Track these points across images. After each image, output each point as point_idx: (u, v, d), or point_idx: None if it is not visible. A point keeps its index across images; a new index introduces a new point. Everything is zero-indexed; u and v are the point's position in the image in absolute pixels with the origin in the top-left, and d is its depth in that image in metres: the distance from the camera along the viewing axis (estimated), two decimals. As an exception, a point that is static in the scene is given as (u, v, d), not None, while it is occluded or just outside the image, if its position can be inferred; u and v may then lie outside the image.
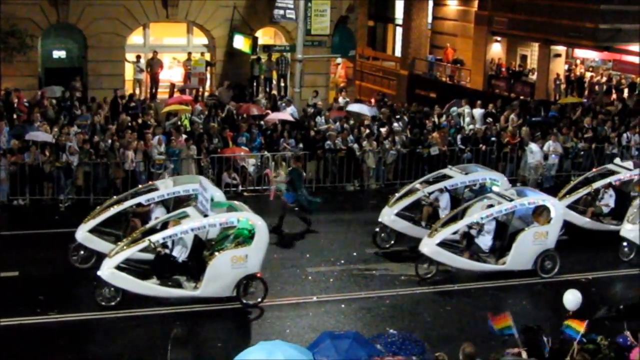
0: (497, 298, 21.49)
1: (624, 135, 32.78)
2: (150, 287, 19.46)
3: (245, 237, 19.99)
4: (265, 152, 29.41)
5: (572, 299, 16.03)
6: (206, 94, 37.72)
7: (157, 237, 19.53)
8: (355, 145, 30.16)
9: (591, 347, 14.95)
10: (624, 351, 15.26)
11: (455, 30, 52.51)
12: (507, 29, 47.12)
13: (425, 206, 24.40)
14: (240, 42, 37.71)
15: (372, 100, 39.54)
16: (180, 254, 19.88)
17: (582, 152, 32.05)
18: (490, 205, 22.36)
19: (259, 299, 19.93)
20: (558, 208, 22.77)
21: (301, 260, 23.11)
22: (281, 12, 35.50)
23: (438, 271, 21.85)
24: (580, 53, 47.02)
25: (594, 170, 27.82)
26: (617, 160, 28.09)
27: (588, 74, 46.61)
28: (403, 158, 30.48)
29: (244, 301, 19.80)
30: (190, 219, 19.94)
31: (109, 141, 27.96)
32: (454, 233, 22.30)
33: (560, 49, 45.33)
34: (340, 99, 37.79)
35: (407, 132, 31.97)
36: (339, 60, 46.37)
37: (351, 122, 32.89)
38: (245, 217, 20.13)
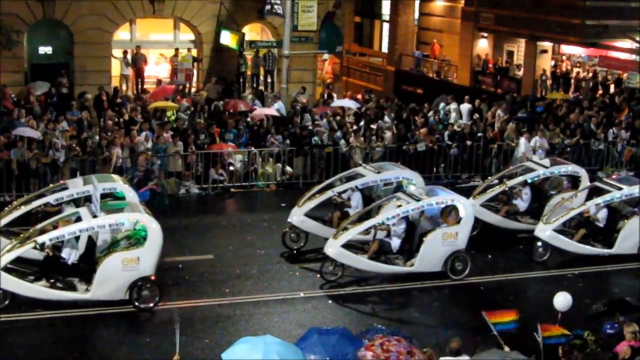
0: (486, 293, 21.52)
1: (610, 131, 32.86)
2: (39, 290, 18.96)
3: (139, 239, 19.57)
4: (252, 148, 29.39)
5: (562, 300, 15.95)
6: (193, 89, 37.63)
7: (43, 238, 18.98)
8: (342, 142, 30.17)
9: (578, 343, 15.05)
10: (611, 338, 15.35)
11: (441, 26, 52.53)
12: (493, 25, 47.17)
13: (336, 206, 23.76)
14: (227, 38, 37.66)
15: (359, 96, 39.52)
16: (69, 255, 19.45)
17: (568, 148, 32.13)
18: (400, 206, 21.71)
19: (152, 303, 19.41)
20: (468, 207, 22.06)
21: (288, 256, 23.11)
22: (268, 6, 35.42)
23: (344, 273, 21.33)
24: (566, 49, 47.14)
25: (510, 167, 27.62)
26: (535, 157, 27.78)
27: (574, 70, 46.78)
28: (390, 154, 30.50)
29: (137, 304, 19.30)
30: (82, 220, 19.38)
31: (96, 137, 27.88)
32: (366, 233, 21.72)
33: (547, 45, 45.42)
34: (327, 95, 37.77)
35: (393, 128, 31.97)
36: (326, 56, 46.37)
37: (338, 118, 32.90)
38: (136, 218, 19.68)
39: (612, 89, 42.59)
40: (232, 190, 28.81)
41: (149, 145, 28.11)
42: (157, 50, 39.17)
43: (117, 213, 19.69)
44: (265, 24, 39.37)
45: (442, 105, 36.05)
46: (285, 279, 21.49)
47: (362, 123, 32.26)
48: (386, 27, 56.77)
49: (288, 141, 29.96)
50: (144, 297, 19.38)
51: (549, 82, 44.81)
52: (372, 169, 24.60)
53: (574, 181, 26.07)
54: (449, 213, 21.69)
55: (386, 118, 33.05)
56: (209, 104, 33.66)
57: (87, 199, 21.34)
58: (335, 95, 38.00)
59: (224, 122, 31.01)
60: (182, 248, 23.37)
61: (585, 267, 22.98)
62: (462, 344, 14.49)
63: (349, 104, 35.60)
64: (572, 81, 45.21)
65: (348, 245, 21.22)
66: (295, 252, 23.37)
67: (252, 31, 40.02)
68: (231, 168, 28.85)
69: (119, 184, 22.30)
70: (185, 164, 28.51)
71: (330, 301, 20.52)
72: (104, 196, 21.20)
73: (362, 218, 22.09)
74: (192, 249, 23.47)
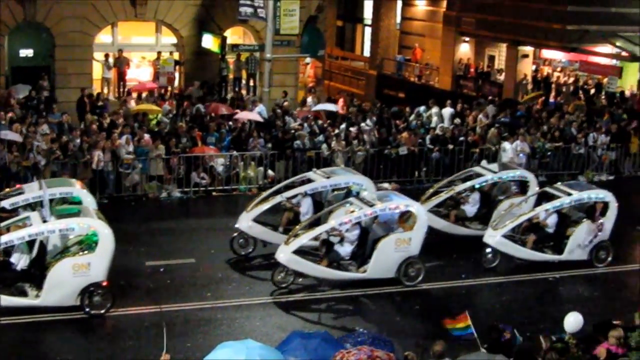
0: (468, 297, 21.56)
1: (591, 135, 33.03)
2: None
3: (91, 245, 19.37)
4: (234, 152, 29.37)
5: (572, 321, 15.83)
6: (175, 92, 37.58)
7: None
8: (324, 146, 30.19)
9: (560, 346, 15.07)
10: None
11: (423, 30, 52.67)
12: (475, 29, 47.34)
13: (286, 211, 23.40)
14: (209, 42, 37.65)
15: (341, 100, 39.50)
16: (18, 260, 19.22)
17: (549, 152, 32.26)
18: (353, 212, 21.39)
19: (104, 310, 19.24)
20: (421, 213, 21.85)
21: (269, 260, 23.04)
22: (250, 9, 35.37)
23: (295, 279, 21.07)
24: (547, 54, 47.36)
25: (459, 172, 27.26)
26: (484, 162, 27.49)
27: (555, 75, 46.99)
28: (372, 158, 30.54)
29: (88, 310, 19.10)
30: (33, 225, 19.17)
31: (77, 141, 27.80)
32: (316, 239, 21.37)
33: (528, 49, 45.59)
34: (309, 99, 37.77)
35: (375, 132, 32.01)
36: (308, 60, 46.41)
37: (319, 122, 32.94)
38: (87, 223, 19.48)
39: (592, 93, 42.82)
40: (214, 193, 28.79)
41: (130, 148, 28.04)
42: (139, 53, 39.12)
43: (68, 218, 19.51)
44: (248, 27, 39.37)
45: (423, 109, 36.12)
46: (267, 282, 21.40)
47: (343, 126, 32.26)
48: (368, 31, 56.83)
49: (270, 145, 29.95)
50: (95, 303, 19.20)
51: (529, 86, 44.98)
52: (322, 173, 24.27)
53: (523, 186, 25.80)
54: (406, 219, 21.54)
55: (368, 121, 33.09)
56: (190, 107, 33.58)
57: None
58: (315, 99, 37.93)
59: (205, 126, 30.97)
60: (164, 252, 23.35)
61: (535, 274, 22.91)
62: (446, 347, 14.50)
63: (329, 107, 35.67)
64: (553, 86, 45.42)
65: (300, 252, 20.92)
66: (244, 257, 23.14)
67: (234, 34, 40.01)
68: (219, 169, 28.81)
69: (75, 189, 22.03)
70: (167, 168, 28.46)
71: (312, 305, 20.52)
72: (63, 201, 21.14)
73: (314, 224, 21.81)
74: (173, 252, 23.41)
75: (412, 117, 34.84)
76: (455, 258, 23.82)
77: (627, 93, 41.86)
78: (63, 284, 18.92)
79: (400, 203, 21.76)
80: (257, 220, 23.12)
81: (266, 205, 23.31)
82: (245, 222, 23.01)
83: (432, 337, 15.79)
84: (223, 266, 22.59)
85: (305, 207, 23.33)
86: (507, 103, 39.09)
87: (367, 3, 57.46)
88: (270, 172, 29.57)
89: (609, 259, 23.67)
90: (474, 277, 22.62)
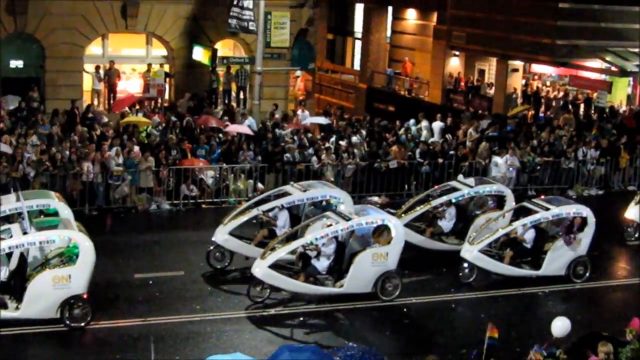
0: (457, 312, 21.58)
1: (580, 150, 33.10)
2: None
3: (71, 257, 19.28)
4: (224, 164, 29.35)
5: (560, 325, 15.79)
6: (165, 105, 37.55)
7: None
8: (314, 158, 30.19)
9: (551, 362, 15.06)
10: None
11: (414, 44, 52.81)
12: (465, 43, 47.47)
13: (261, 230, 23.19)
14: (200, 54, 37.64)
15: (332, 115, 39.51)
16: None
17: (538, 167, 32.31)
18: (330, 225, 21.14)
19: (84, 323, 19.08)
20: (399, 228, 21.60)
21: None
22: (243, 24, 35.40)
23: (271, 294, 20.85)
24: (537, 68, 47.49)
25: (435, 187, 27.00)
26: (460, 177, 27.32)
27: (545, 89, 47.13)
28: (362, 171, 30.55)
29: (68, 323, 18.95)
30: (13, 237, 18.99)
31: (67, 152, 27.74)
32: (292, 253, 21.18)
33: (518, 63, 45.73)
34: (299, 112, 37.78)
35: (364, 145, 32.03)
36: (298, 72, 46.36)
37: (309, 135, 32.96)
38: (68, 235, 19.42)
39: (582, 108, 42.96)
40: (203, 206, 28.73)
41: (120, 160, 28.00)
42: (129, 65, 39.05)
43: (48, 230, 19.42)
44: (238, 40, 39.38)
45: (412, 122, 36.15)
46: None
47: (332, 139, 32.29)
48: (358, 44, 57.01)
49: (260, 157, 29.94)
50: (75, 315, 19.06)
51: (519, 100, 45.10)
52: (300, 187, 23.95)
53: (499, 201, 25.66)
54: (381, 233, 21.30)
55: (358, 136, 33.11)
56: (180, 119, 33.57)
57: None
58: (307, 112, 37.95)
59: (195, 138, 30.95)
60: (153, 264, 23.30)
61: (512, 289, 22.80)
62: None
63: (320, 120, 35.71)
64: (543, 100, 45.54)
65: (276, 266, 20.75)
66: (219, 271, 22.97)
67: (225, 47, 40.00)
68: (209, 181, 28.76)
69: (53, 201, 21.80)
70: (156, 180, 28.41)
71: (301, 318, 20.47)
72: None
73: (290, 238, 21.64)
74: (162, 265, 23.34)
75: (401, 131, 34.86)
76: (433, 272, 23.69)
77: (624, 108, 41.92)
78: (43, 296, 18.77)
79: (377, 217, 21.63)
80: (233, 233, 22.97)
81: (243, 219, 23.15)
82: (222, 235, 22.84)
83: (423, 352, 15.77)
84: (212, 279, 22.52)
85: (282, 221, 23.13)
86: (496, 117, 39.14)
87: (357, 16, 57.62)
88: (259, 184, 29.53)
89: (587, 274, 23.49)
90: (455, 291, 22.50)
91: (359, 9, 56.88)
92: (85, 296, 19.13)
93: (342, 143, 31.88)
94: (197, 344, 18.72)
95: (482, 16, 45.87)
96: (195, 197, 28.74)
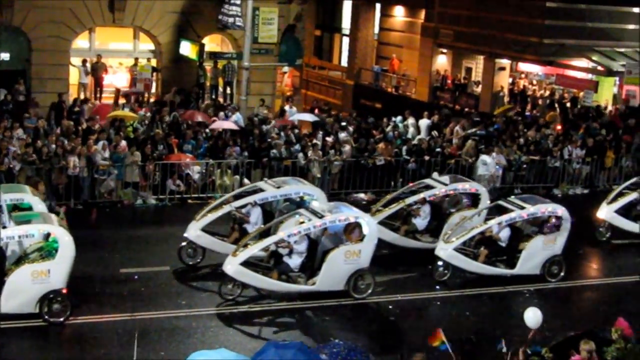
0: (443, 309, 21.61)
1: (566, 148, 33.18)
2: None
3: (51, 251, 19.18)
4: (210, 160, 29.30)
5: (532, 316, 15.82)
6: (151, 99, 37.46)
7: None
8: (301, 155, 30.18)
9: (536, 359, 15.09)
10: None
11: (401, 41, 52.80)
12: (452, 41, 47.52)
13: (234, 231, 22.92)
14: (187, 49, 37.55)
15: (316, 110, 39.50)
16: None
17: (524, 165, 32.39)
18: (302, 223, 21.05)
19: (63, 317, 18.98)
20: (371, 225, 21.53)
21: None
22: (230, 19, 35.35)
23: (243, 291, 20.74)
24: (524, 67, 47.61)
25: (410, 184, 27.01)
26: (435, 174, 27.28)
27: (531, 88, 47.25)
28: (348, 168, 30.55)
29: (47, 318, 18.87)
30: None
31: (53, 146, 27.64)
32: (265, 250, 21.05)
33: (505, 62, 45.83)
34: (287, 108, 37.75)
35: (351, 141, 32.03)
36: (286, 68, 46.40)
37: (296, 131, 32.95)
38: (47, 229, 19.36)
39: (568, 106, 43.09)
40: (189, 201, 28.67)
41: (106, 154, 27.92)
42: (116, 59, 38.94)
43: (27, 224, 19.34)
44: (226, 35, 39.30)
45: (399, 119, 36.19)
46: (247, 291, 21.32)
47: (319, 135, 32.26)
48: (346, 41, 56.97)
49: (246, 153, 29.90)
50: (55, 310, 18.97)
51: (506, 98, 45.17)
52: (273, 183, 23.89)
53: (474, 199, 25.62)
54: (352, 230, 21.18)
55: (346, 133, 33.11)
56: (172, 109, 33.46)
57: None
58: (294, 108, 37.93)
59: (182, 133, 30.90)
60: (138, 259, 23.24)
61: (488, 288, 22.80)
62: (426, 358, 14.51)
63: (307, 117, 35.70)
64: (529, 99, 45.65)
65: (248, 263, 20.66)
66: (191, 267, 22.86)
67: (212, 42, 39.92)
68: (195, 176, 28.71)
69: (27, 195, 21.63)
70: (142, 174, 28.35)
71: (287, 314, 20.48)
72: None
73: (262, 235, 21.52)
74: (148, 260, 23.29)
75: (388, 128, 34.87)
76: (407, 270, 23.68)
77: (610, 108, 42.04)
78: (22, 290, 18.65)
79: (350, 215, 21.52)
80: (205, 229, 22.87)
81: (215, 215, 23.02)
82: (194, 231, 22.72)
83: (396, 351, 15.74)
84: (198, 274, 22.51)
85: (255, 217, 23.01)
86: (482, 116, 39.20)
87: (345, 13, 57.58)
88: (246, 180, 29.48)
89: (562, 273, 23.49)
90: (429, 290, 22.46)
91: (347, 5, 56.87)
92: (64, 291, 19.04)
93: (329, 139, 31.87)
94: (182, 339, 18.70)
95: (469, 14, 45.94)
96: (182, 192, 28.69)
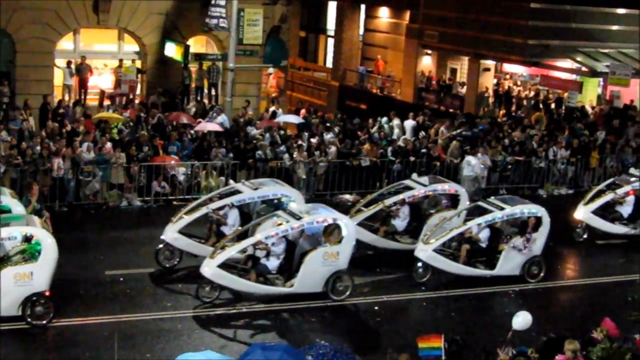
0: (429, 310, 21.62)
1: (551, 149, 33.27)
2: None
3: (33, 254, 19.03)
4: (196, 161, 29.26)
5: (521, 320, 15.83)
6: (136, 101, 37.37)
7: None
8: (286, 156, 30.17)
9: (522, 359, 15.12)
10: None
11: (386, 42, 52.92)
12: (437, 42, 47.66)
13: (211, 237, 22.71)
14: (172, 50, 37.47)
15: (302, 111, 39.47)
16: None
17: (509, 166, 32.44)
18: (280, 224, 20.93)
19: (46, 320, 18.85)
20: (350, 227, 21.39)
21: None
22: (214, 21, 35.32)
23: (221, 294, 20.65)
24: (509, 68, 47.75)
25: (390, 186, 26.97)
26: (414, 175, 27.19)
27: (516, 89, 47.39)
28: (334, 169, 30.57)
29: (30, 321, 18.69)
30: None
31: (37, 147, 27.55)
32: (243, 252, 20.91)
33: (490, 63, 45.99)
34: (274, 109, 37.71)
35: (337, 142, 32.03)
36: (271, 70, 46.32)
37: (282, 132, 32.94)
38: (29, 232, 19.22)
39: (553, 107, 43.24)
40: (174, 203, 28.58)
41: (91, 156, 27.84)
42: (100, 60, 38.82)
43: (9, 227, 19.21)
44: (211, 36, 39.25)
45: (385, 120, 36.22)
46: (227, 293, 21.30)
47: (305, 136, 32.27)
48: (331, 42, 57.09)
49: (232, 154, 29.87)
50: (37, 313, 18.85)
51: (490, 99, 45.30)
52: (250, 185, 23.75)
53: (454, 200, 25.55)
54: (331, 232, 21.04)
55: (330, 133, 33.13)
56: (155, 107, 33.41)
57: None
58: (280, 110, 37.91)
59: (167, 135, 30.84)
60: (124, 261, 23.14)
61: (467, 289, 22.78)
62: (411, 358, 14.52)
63: (293, 119, 35.68)
64: (514, 99, 45.78)
65: (226, 265, 20.55)
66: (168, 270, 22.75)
67: (197, 43, 39.85)
68: (180, 178, 28.66)
69: (5, 197, 21.41)
70: (127, 176, 28.28)
71: (273, 316, 20.46)
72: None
73: (240, 237, 21.47)
74: (133, 262, 23.19)
75: (374, 129, 34.90)
76: (386, 272, 23.60)
77: (595, 109, 42.19)
78: (4, 293, 18.45)
79: (328, 216, 21.44)
80: (183, 232, 22.76)
81: (192, 217, 22.91)
82: (171, 233, 22.59)
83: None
84: (183, 276, 22.44)
85: (232, 219, 22.90)
86: (467, 117, 39.29)
87: (330, 14, 57.69)
88: (231, 181, 29.38)
89: (542, 274, 23.47)
90: (408, 291, 22.39)
91: (332, 6, 56.98)
92: (47, 293, 18.93)
93: (314, 141, 31.87)
94: (167, 341, 18.64)
95: (454, 15, 46.09)
96: (167, 193, 28.63)
